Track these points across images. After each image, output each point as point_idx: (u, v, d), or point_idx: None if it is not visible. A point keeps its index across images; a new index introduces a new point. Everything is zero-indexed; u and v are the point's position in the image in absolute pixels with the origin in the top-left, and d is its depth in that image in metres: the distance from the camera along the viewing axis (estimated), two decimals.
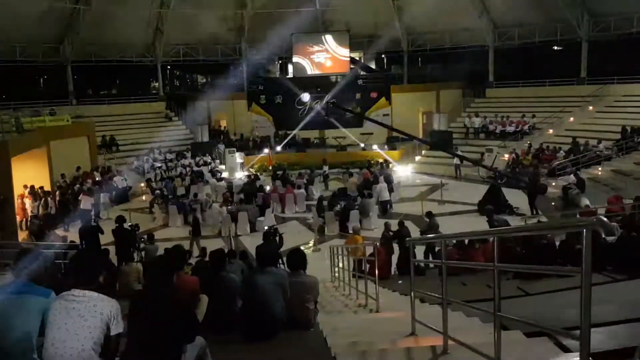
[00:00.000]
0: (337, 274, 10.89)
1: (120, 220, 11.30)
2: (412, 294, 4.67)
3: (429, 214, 13.66)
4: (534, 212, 16.37)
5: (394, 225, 12.37)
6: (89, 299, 3.04)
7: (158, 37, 31.22)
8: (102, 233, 12.21)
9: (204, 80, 41.31)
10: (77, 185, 20.34)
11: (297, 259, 5.50)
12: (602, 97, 24.50)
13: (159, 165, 25.63)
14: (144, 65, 32.81)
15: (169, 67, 37.19)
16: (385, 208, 18.41)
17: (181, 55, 32.47)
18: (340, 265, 10.30)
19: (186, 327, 3.41)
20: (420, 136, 30.13)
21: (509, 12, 28.29)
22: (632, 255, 6.05)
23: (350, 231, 16.17)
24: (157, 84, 34.68)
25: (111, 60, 30.69)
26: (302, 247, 15.67)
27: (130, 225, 11.93)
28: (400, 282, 9.67)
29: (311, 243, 15.98)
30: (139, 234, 12.27)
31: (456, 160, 23.34)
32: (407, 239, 4.98)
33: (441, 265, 3.95)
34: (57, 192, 19.19)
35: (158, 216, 18.83)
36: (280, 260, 8.67)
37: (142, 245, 11.40)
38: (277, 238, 10.32)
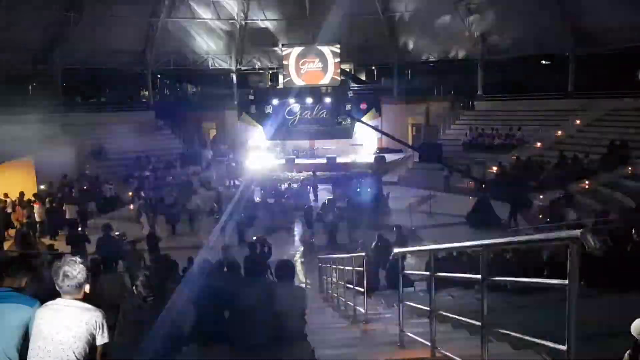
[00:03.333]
0: (326, 285, 10.87)
1: (106, 228, 11.20)
2: (400, 306, 4.67)
3: (398, 227, 13.63)
4: (514, 224, 16.48)
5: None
6: (74, 308, 3.01)
7: (149, 46, 31.18)
8: (89, 242, 12.10)
9: (194, 90, 41.29)
10: (64, 194, 20.14)
11: (286, 269, 5.47)
12: (589, 111, 24.79)
13: (148, 174, 25.48)
14: (133, 73, 32.74)
15: (159, 76, 37.14)
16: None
17: (172, 64, 32.45)
18: (330, 277, 10.27)
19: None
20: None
21: (498, 26, 28.64)
22: (620, 269, 6.10)
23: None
24: (147, 93, 34.60)
25: (101, 68, 30.61)
26: (296, 257, 15.74)
27: (117, 234, 11.84)
28: (389, 293, 9.65)
29: (300, 254, 15.94)
30: (126, 243, 12.18)
31: (445, 172, 23.45)
32: (396, 250, 4.99)
33: (430, 277, 3.96)
34: (47, 200, 18.99)
35: (145, 226, 18.64)
36: (268, 271, 8.62)
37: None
38: (266, 248, 10.28)
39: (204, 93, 39.89)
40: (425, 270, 4.50)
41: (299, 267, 15.33)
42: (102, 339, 3.06)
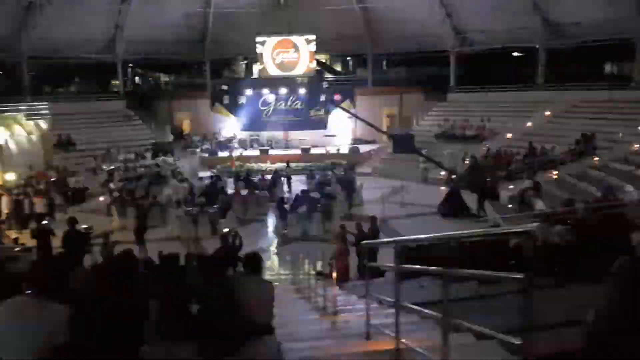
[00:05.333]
0: (298, 277, 10.86)
1: (72, 222, 10.94)
2: (367, 298, 4.68)
3: (373, 218, 13.40)
4: (481, 215, 16.70)
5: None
6: (36, 305, 2.92)
7: (118, 34, 30.49)
8: (54, 235, 11.83)
9: (167, 80, 40.65)
10: (30, 186, 19.65)
11: (253, 262, 5.41)
12: (558, 103, 25.23)
13: (118, 165, 25.02)
14: (103, 62, 32.00)
15: (130, 65, 36.39)
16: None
17: (143, 53, 31.83)
18: (303, 268, 10.26)
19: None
20: (384, 138, 30.50)
21: (470, 19, 28.87)
22: (582, 259, 6.22)
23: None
24: (117, 82, 33.92)
25: (70, 57, 29.83)
26: (269, 249, 15.69)
27: (84, 228, 11.58)
28: (361, 284, 9.69)
29: (273, 246, 15.90)
30: (93, 237, 11.94)
31: (424, 163, 23.64)
32: (363, 242, 4.99)
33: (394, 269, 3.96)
34: (14, 192, 18.50)
35: (116, 219, 18.35)
36: (239, 264, 8.53)
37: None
38: (237, 241, 10.20)
39: (177, 83, 39.34)
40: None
41: (273, 259, 15.30)
42: (63, 337, 2.97)
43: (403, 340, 3.58)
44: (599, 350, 2.41)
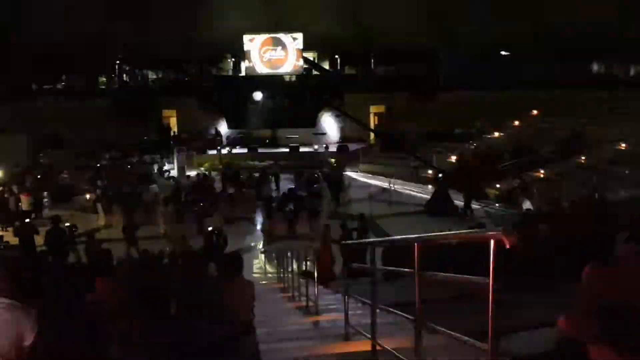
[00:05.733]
0: (283, 275, 10.82)
1: (55, 220, 10.83)
2: (346, 298, 4.66)
3: (361, 216, 13.39)
4: (468, 214, 16.79)
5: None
6: (5, 307, 2.87)
7: (108, 31, 30.13)
8: (37, 233, 11.71)
9: (155, 77, 40.30)
10: (17, 183, 19.46)
11: (233, 263, 5.38)
12: (546, 102, 25.36)
13: (104, 163, 24.84)
14: (91, 59, 31.64)
15: (117, 62, 36.05)
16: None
17: (132, 50, 31.54)
18: (288, 267, 10.23)
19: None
20: (372, 137, 30.56)
21: (462, 17, 28.92)
22: (565, 259, 6.25)
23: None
24: (104, 79, 33.62)
25: (57, 54, 29.46)
26: (256, 247, 15.66)
27: (67, 226, 11.48)
28: (344, 284, 9.67)
29: (260, 244, 15.87)
30: (77, 235, 11.85)
31: (413, 163, 23.71)
32: (342, 242, 4.98)
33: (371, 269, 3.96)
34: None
35: (102, 217, 18.23)
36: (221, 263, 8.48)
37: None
38: (222, 239, 10.16)
39: (165, 80, 39.04)
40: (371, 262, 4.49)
41: (260, 257, 15.28)
42: (30, 338, 2.93)
43: (379, 342, 3.58)
44: (568, 353, 2.40)
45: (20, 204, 17.46)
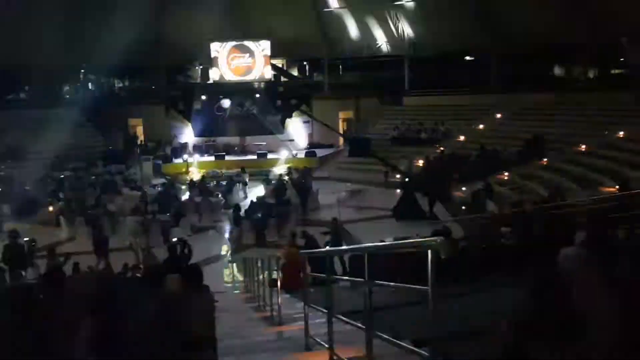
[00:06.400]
0: (250, 285, 10.73)
1: (13, 235, 10.50)
2: (306, 308, 4.65)
3: (334, 220, 13.36)
4: (434, 218, 16.97)
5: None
6: None
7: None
8: None
9: (120, 85, 39.66)
10: None
11: (193, 274, 5.30)
12: (509, 105, 25.92)
13: (68, 174, 24.22)
14: (54, 67, 30.86)
15: (82, 70, 35.32)
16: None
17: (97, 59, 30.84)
18: (254, 276, 10.15)
19: None
20: (340, 142, 30.69)
21: (425, 23, 29.33)
22: (524, 261, 6.37)
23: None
24: (68, 88, 32.88)
25: (19, 63, 28.64)
26: (224, 256, 15.48)
27: (26, 240, 11.14)
28: (312, 291, 9.64)
29: (227, 253, 15.72)
30: (37, 249, 11.50)
31: (385, 167, 23.86)
32: (301, 251, 4.97)
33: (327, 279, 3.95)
34: None
35: (64, 229, 17.77)
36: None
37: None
38: (186, 250, 10.01)
39: (131, 88, 38.44)
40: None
41: (227, 266, 15.12)
42: None
43: (337, 352, 3.57)
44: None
45: None
